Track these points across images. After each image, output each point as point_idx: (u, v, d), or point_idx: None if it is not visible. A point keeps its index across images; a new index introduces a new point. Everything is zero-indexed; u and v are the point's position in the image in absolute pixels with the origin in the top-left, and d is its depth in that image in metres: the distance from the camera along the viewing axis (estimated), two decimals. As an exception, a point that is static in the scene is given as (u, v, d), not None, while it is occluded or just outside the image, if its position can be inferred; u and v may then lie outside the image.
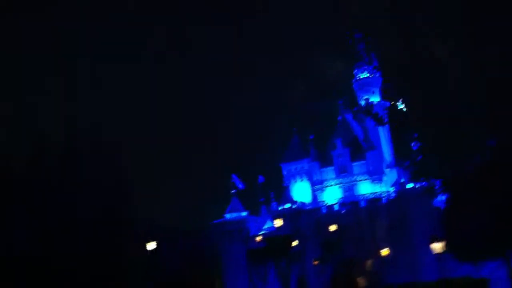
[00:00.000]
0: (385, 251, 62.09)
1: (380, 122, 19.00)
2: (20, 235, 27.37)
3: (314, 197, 74.82)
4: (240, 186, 74.29)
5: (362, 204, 67.45)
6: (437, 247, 29.31)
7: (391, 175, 73.72)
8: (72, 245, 27.79)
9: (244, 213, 73.75)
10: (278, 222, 46.06)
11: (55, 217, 28.35)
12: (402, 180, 66.27)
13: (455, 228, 21.62)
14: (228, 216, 73.50)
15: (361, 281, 61.69)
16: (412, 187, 63.12)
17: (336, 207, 69.03)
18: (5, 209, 27.73)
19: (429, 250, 29.89)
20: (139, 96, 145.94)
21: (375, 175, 71.42)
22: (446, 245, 27.33)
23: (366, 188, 71.15)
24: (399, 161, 72.50)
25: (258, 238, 69.31)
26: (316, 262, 62.42)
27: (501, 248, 21.77)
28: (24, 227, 27.73)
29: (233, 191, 75.15)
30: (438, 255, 29.76)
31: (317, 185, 74.48)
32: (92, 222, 28.47)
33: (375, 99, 76.93)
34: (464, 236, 20.83)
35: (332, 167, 74.23)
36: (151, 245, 47.92)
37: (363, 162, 72.71)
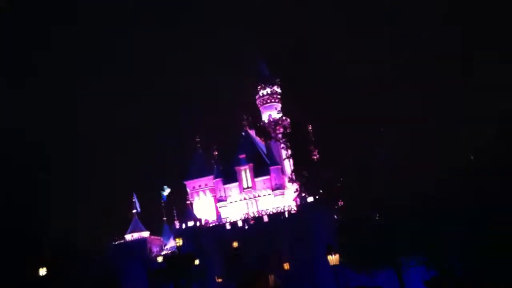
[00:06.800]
0: (287, 265, 62.85)
1: (276, 140, 18.92)
2: None
3: (218, 214, 74.23)
4: (138, 208, 72.11)
5: (265, 219, 67.96)
6: (333, 259, 29.99)
7: (292, 189, 75.18)
8: None
9: (145, 233, 71.30)
10: (179, 241, 44.90)
11: None
12: (303, 194, 67.69)
13: (347, 240, 22.13)
14: (128, 236, 70.63)
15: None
16: (313, 200, 64.64)
17: (239, 223, 68.88)
18: None
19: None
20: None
21: (278, 190, 72.52)
22: (342, 257, 27.97)
23: (269, 203, 71.91)
24: (299, 176, 74.43)
25: (159, 259, 67.31)
26: (219, 280, 61.68)
27: (390, 258, 22.60)
28: None
29: (134, 211, 72.52)
30: (335, 266, 30.44)
31: (221, 201, 74.09)
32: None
33: (278, 115, 78.44)
34: (356, 248, 21.36)
35: (236, 183, 74.28)
36: (42, 271, 45.06)
37: (267, 177, 73.56)
